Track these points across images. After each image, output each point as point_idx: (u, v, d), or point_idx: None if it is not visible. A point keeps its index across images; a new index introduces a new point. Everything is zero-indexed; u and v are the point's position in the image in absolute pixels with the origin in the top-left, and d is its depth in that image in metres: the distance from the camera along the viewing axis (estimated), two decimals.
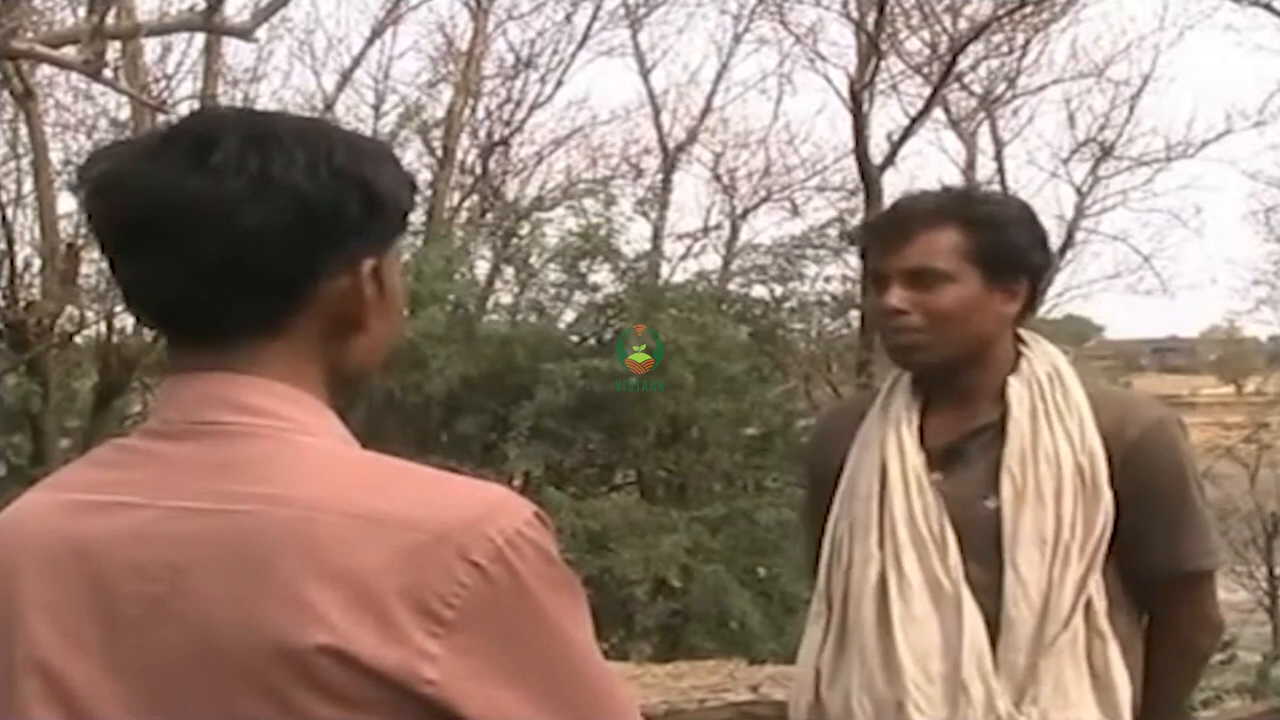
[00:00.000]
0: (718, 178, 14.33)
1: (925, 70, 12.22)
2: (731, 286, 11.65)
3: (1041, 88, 13.92)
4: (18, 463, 9.86)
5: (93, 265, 10.08)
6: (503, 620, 1.05)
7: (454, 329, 10.09)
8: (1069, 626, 2.05)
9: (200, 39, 10.97)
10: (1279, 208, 14.92)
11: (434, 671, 1.02)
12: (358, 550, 1.04)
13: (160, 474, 1.12)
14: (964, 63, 12.26)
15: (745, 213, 14.27)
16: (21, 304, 10.34)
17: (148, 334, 8.87)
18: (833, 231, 12.41)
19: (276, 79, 18.74)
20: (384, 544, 1.04)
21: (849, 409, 2.55)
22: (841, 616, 2.16)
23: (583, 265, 10.69)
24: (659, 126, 14.10)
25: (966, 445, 2.15)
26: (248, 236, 1.10)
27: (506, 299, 11.53)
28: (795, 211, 14.05)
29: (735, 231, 14.02)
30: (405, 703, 1.02)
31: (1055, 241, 13.40)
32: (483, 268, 11.53)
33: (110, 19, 6.52)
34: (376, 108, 13.77)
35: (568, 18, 13.76)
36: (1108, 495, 2.08)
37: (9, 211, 10.99)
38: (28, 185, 11.07)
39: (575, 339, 10.70)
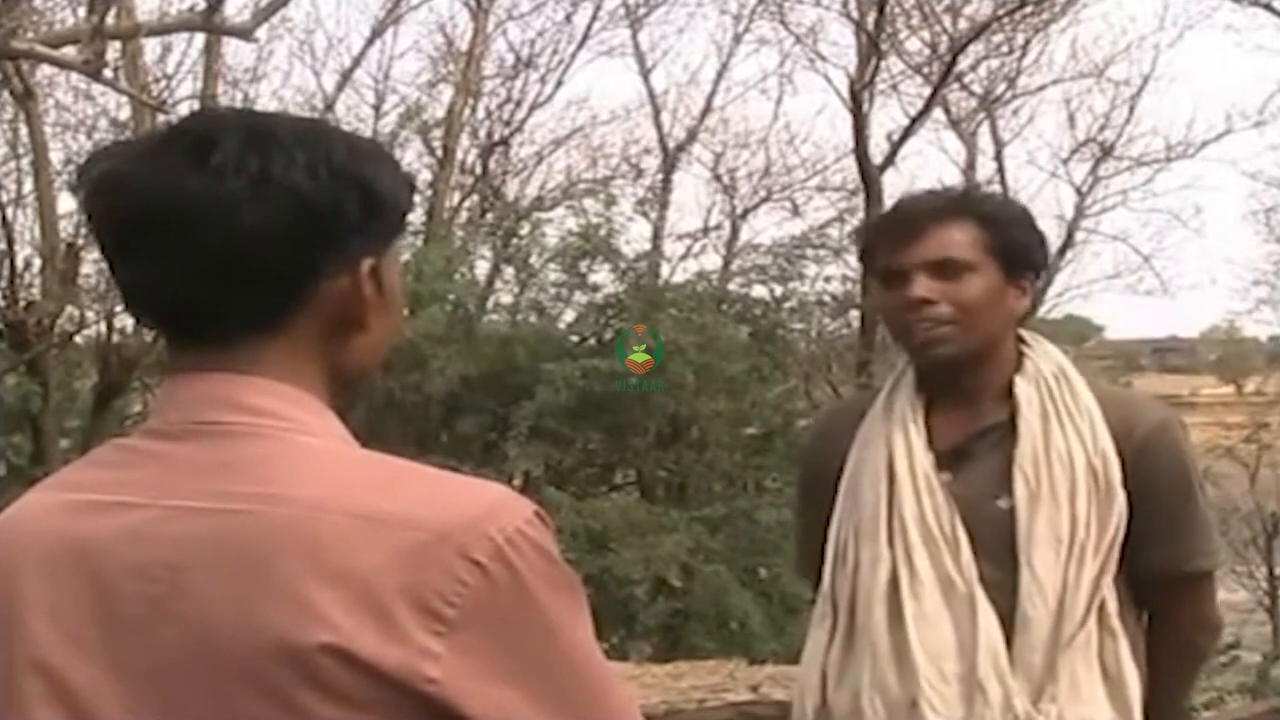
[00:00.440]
0: (718, 178, 14.33)
1: (925, 70, 12.22)
2: (731, 286, 11.64)
3: (1041, 88, 13.93)
4: (18, 463, 9.86)
5: (93, 265, 10.08)
6: (504, 619, 1.05)
7: (454, 329, 10.09)
8: (1084, 626, 2.05)
9: (200, 39, 10.97)
10: (1279, 208, 14.93)
11: (436, 670, 1.02)
12: (359, 550, 1.04)
13: (161, 474, 1.12)
14: (964, 63, 12.26)
15: (745, 213, 14.27)
16: (21, 304, 10.34)
17: (148, 334, 8.87)
18: (833, 231, 12.42)
19: (276, 79, 18.78)
20: (385, 543, 1.04)
21: (847, 409, 2.55)
22: (849, 618, 2.15)
23: (583, 265, 10.69)
24: (659, 126, 14.10)
25: (975, 445, 2.15)
26: (248, 236, 1.10)
27: (506, 299, 11.54)
28: (795, 211, 14.06)
29: (735, 231, 14.03)
30: (407, 702, 1.03)
31: (1055, 241, 13.42)
32: (483, 268, 11.55)
33: (110, 19, 6.52)
34: (377, 108, 13.78)
35: (568, 18, 13.77)
36: (1121, 496, 2.09)
37: (9, 211, 10.99)
38: (28, 185, 11.07)
39: (575, 339, 10.69)
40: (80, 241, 9.91)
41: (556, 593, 1.08)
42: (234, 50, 11.62)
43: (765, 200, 14.39)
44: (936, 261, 2.11)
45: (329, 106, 12.97)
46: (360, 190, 1.14)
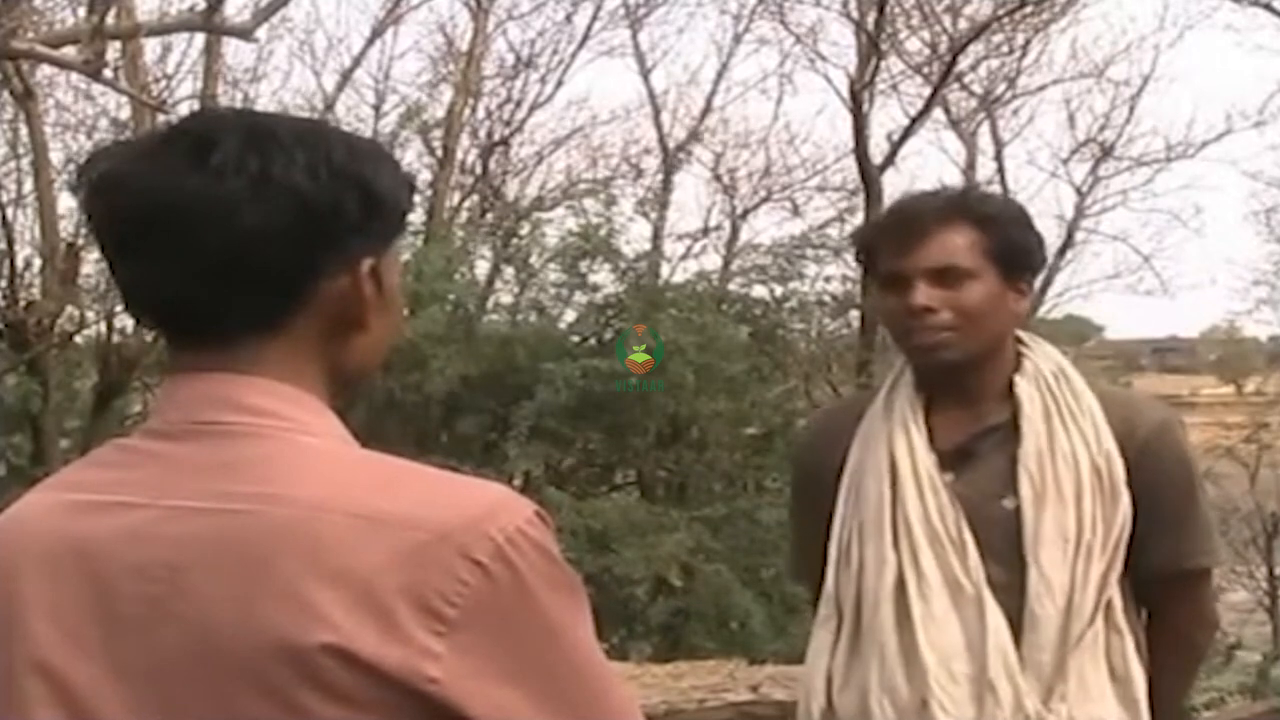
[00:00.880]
0: (718, 178, 14.33)
1: (925, 70, 12.22)
2: (731, 286, 11.64)
3: (1041, 88, 13.93)
4: (18, 463, 9.85)
5: (93, 265, 10.08)
6: (504, 618, 1.05)
7: (454, 329, 10.09)
8: (1093, 625, 2.06)
9: (200, 39, 10.97)
10: (1279, 208, 14.93)
11: (437, 670, 1.02)
12: (359, 550, 1.04)
13: (161, 474, 1.12)
14: (964, 63, 12.26)
15: (745, 213, 14.26)
16: (21, 304, 10.33)
17: (148, 334, 8.86)
18: (833, 231, 12.42)
19: (276, 79, 18.74)
20: (385, 543, 1.04)
21: (844, 410, 2.55)
22: (855, 619, 2.14)
23: (583, 265, 10.69)
24: (659, 126, 14.09)
25: (977, 445, 2.15)
26: (248, 236, 1.10)
27: (506, 299, 11.54)
28: (795, 211, 14.05)
29: (735, 231, 14.02)
30: (408, 702, 1.03)
31: (1055, 241, 13.43)
32: (483, 268, 11.55)
33: (110, 19, 6.51)
34: (377, 108, 13.77)
35: (568, 18, 13.76)
36: (1125, 495, 2.09)
37: (9, 211, 10.98)
38: (28, 185, 11.06)
39: (575, 339, 10.69)
40: (80, 241, 9.90)
41: (557, 592, 1.08)
42: (234, 50, 11.62)
43: (765, 200, 14.39)
44: (938, 268, 2.11)
45: (329, 107, 12.97)
46: (360, 190, 1.14)
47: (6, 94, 10.20)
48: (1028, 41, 13.20)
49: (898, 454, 2.15)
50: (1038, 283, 2.29)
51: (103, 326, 10.78)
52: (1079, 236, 14.49)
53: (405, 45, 16.28)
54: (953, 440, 2.16)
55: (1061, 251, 13.88)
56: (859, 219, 11.84)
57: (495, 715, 1.04)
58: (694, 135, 14.17)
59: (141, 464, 1.14)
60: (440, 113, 13.16)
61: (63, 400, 10.61)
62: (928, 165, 17.51)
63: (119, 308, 9.28)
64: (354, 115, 13.44)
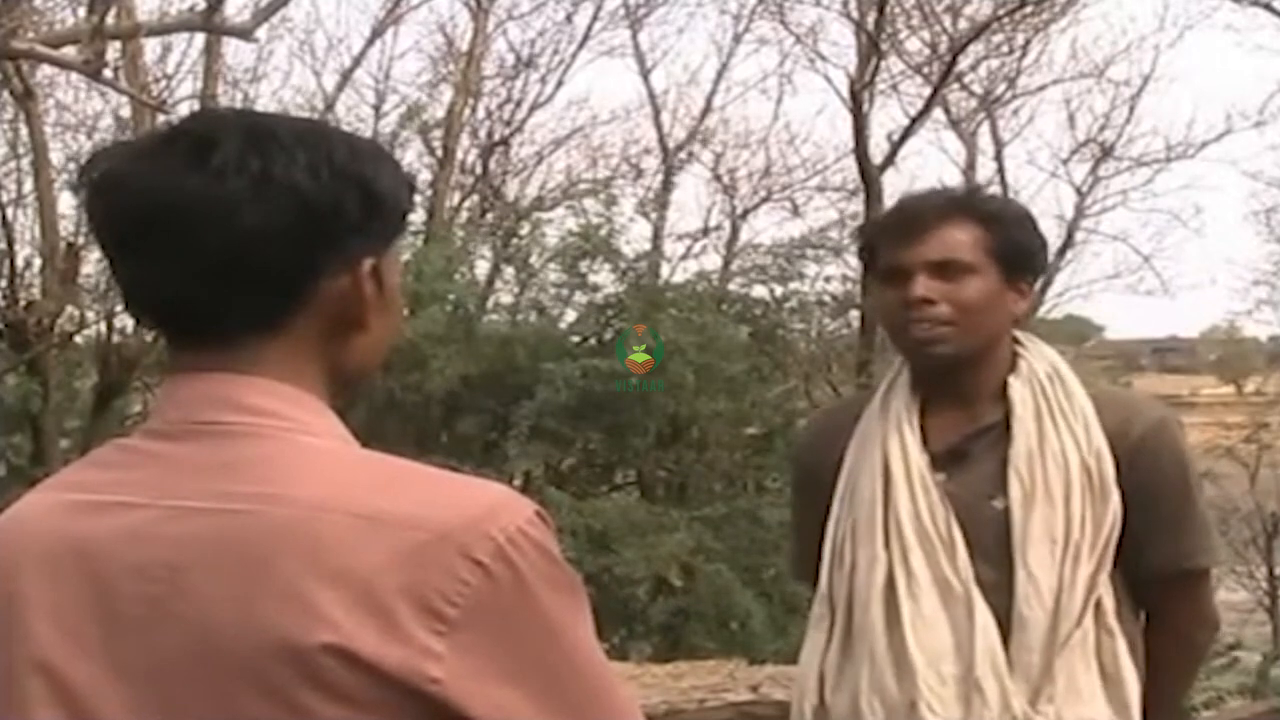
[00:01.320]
0: (718, 178, 14.33)
1: (925, 70, 12.22)
2: (731, 286, 11.64)
3: (1041, 88, 13.92)
4: (18, 463, 9.85)
5: (93, 265, 10.08)
6: (505, 618, 1.05)
7: (454, 329, 10.08)
8: (1081, 625, 2.05)
9: (200, 39, 10.97)
10: (1279, 208, 14.93)
11: (438, 670, 1.02)
12: (360, 550, 1.04)
13: (161, 474, 1.12)
14: (964, 63, 12.25)
15: (745, 213, 14.27)
16: (21, 304, 10.33)
17: (148, 334, 8.86)
18: (833, 234, 12.42)
19: (276, 79, 18.74)
20: (386, 543, 1.04)
21: (843, 409, 2.55)
22: (846, 619, 2.15)
23: (583, 265, 10.68)
24: (659, 126, 14.10)
25: (970, 446, 2.15)
26: (248, 236, 1.10)
27: (507, 299, 11.54)
28: (796, 212, 14.06)
29: (735, 232, 14.03)
30: (409, 701, 1.03)
31: (1055, 241, 13.42)
32: (483, 268, 11.55)
33: (110, 19, 6.51)
34: (377, 108, 13.77)
35: (568, 18, 13.77)
36: (1115, 495, 2.09)
37: (9, 211, 10.97)
38: (28, 185, 11.06)
39: (575, 339, 10.69)
40: (80, 241, 9.91)
41: (558, 592, 1.08)
42: (234, 50, 11.62)
43: (765, 200, 14.40)
44: (938, 262, 2.12)
45: (329, 106, 12.97)
46: (360, 190, 1.15)
47: (6, 94, 10.20)
48: (1028, 41, 13.21)
49: (891, 454, 2.15)
50: (1038, 285, 2.29)
51: (103, 326, 10.78)
52: (1079, 236, 14.51)
53: (405, 45, 16.32)
54: (946, 441, 2.16)
55: (1061, 251, 13.88)
56: (860, 219, 11.84)
57: (496, 715, 1.04)
58: (694, 135, 14.18)
59: (141, 464, 1.14)
60: (440, 113, 13.18)
61: (63, 400, 10.60)
62: (928, 165, 17.54)
63: (119, 308, 9.28)
64: (354, 115, 13.46)
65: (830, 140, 14.95)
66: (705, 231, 13.81)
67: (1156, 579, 2.17)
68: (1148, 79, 13.84)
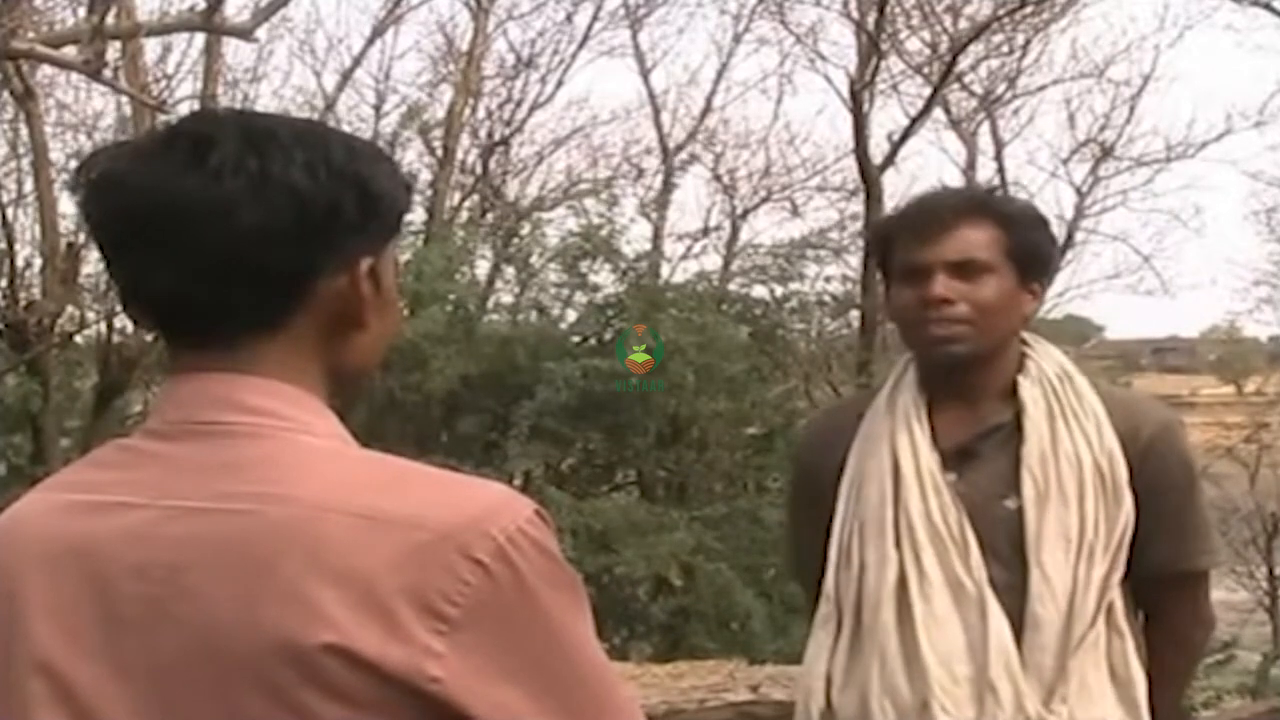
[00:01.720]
0: (718, 178, 14.34)
1: (925, 70, 12.23)
2: (732, 287, 11.64)
3: (1041, 88, 13.94)
4: (18, 463, 9.86)
5: (93, 265, 10.08)
6: (506, 618, 1.05)
7: (454, 329, 10.09)
8: (1094, 626, 2.05)
9: (200, 39, 10.97)
10: (1279, 208, 14.93)
11: (439, 669, 1.02)
12: (361, 549, 1.04)
13: (161, 474, 1.12)
14: (964, 63, 12.26)
15: (745, 213, 14.28)
16: (21, 304, 10.33)
17: (148, 334, 8.86)
18: (833, 234, 12.43)
19: (276, 79, 18.76)
20: (387, 543, 1.04)
21: (845, 410, 2.55)
22: (855, 620, 2.14)
23: (583, 265, 10.69)
24: (659, 127, 14.12)
25: (980, 445, 2.15)
26: (247, 236, 1.10)
27: (507, 299, 11.56)
28: (795, 212, 14.08)
29: (735, 232, 14.04)
30: (410, 701, 1.03)
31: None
32: (483, 268, 11.56)
33: (110, 19, 6.51)
34: (377, 108, 13.79)
35: (568, 18, 13.79)
36: (1128, 496, 2.09)
37: (9, 211, 10.98)
38: (28, 185, 11.06)
39: (576, 339, 10.70)
40: (80, 241, 9.90)
41: (558, 592, 1.08)
42: (234, 50, 11.63)
43: (765, 200, 14.42)
44: (957, 261, 2.12)
45: (329, 106, 12.98)
46: (358, 190, 1.15)
47: (6, 94, 10.19)
48: (1028, 41, 13.22)
49: (900, 453, 2.15)
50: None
51: (103, 326, 10.78)
52: (1079, 236, 14.53)
53: (405, 45, 16.37)
54: (955, 440, 2.16)
55: (1062, 251, 13.86)
56: (860, 220, 11.85)
57: (497, 714, 1.04)
58: (694, 135, 14.18)
59: (142, 464, 1.13)
60: (440, 113, 13.19)
61: (63, 400, 10.61)
62: (928, 165, 17.59)
63: (119, 308, 9.25)
64: (354, 115, 13.48)
65: (830, 140, 14.99)
66: (705, 232, 13.84)
67: (1157, 579, 2.17)
68: (1148, 79, 13.88)
